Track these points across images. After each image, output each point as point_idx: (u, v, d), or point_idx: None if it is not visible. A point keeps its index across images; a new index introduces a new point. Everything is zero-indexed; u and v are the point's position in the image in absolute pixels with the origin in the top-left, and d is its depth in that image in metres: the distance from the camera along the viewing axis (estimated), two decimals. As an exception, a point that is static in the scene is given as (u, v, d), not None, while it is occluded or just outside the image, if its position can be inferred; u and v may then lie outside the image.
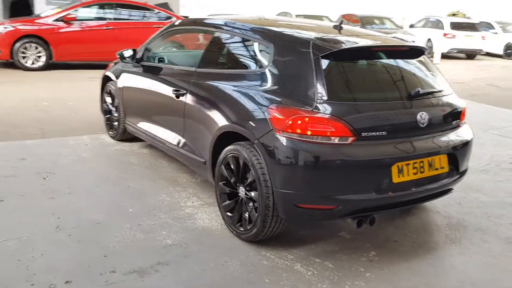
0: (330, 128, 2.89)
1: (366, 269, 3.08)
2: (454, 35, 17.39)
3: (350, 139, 2.90)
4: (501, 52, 19.39)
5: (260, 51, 3.50)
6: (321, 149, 2.90)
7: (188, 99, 3.84)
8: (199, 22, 4.56)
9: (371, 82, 3.21)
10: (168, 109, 4.23)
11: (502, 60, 18.75)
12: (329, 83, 2.99)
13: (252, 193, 3.18)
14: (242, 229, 3.29)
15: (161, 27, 11.47)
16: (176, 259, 3.07)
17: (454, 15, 24.16)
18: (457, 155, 3.34)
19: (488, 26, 19.52)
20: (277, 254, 3.19)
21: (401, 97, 3.14)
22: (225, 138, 3.45)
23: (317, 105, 2.93)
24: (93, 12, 10.56)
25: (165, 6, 12.59)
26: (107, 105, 5.50)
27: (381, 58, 3.31)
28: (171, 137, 4.19)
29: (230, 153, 3.33)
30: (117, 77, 5.15)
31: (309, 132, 2.90)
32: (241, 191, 3.30)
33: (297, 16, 15.61)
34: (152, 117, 4.58)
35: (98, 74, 6.34)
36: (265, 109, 3.10)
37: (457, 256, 3.33)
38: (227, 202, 3.44)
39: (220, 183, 3.48)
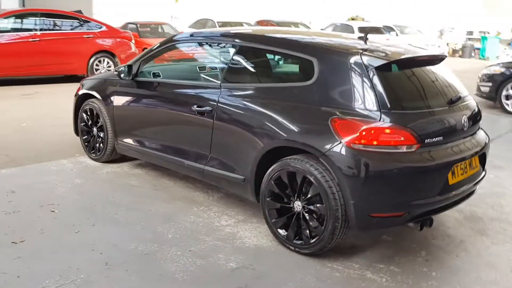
0: (399, 137, 2.99)
1: (429, 268, 3.23)
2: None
3: (415, 147, 3.02)
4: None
5: (302, 64, 3.50)
6: (391, 158, 2.99)
7: (217, 115, 3.71)
8: (215, 34, 4.40)
9: (420, 90, 3.36)
10: (186, 127, 4.04)
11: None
12: (388, 93, 3.08)
13: (314, 207, 3.17)
14: (302, 243, 3.26)
15: (92, 37, 11.07)
16: (252, 282, 2.97)
17: (353, 19, 25.77)
18: (484, 155, 3.62)
19: (389, 29, 21.13)
20: (342, 264, 3.22)
21: (446, 102, 3.33)
22: (270, 154, 3.41)
23: (382, 115, 3.01)
24: (16, 23, 9.64)
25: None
26: (85, 125, 5.10)
27: (422, 67, 3.47)
28: (191, 155, 4.01)
29: (283, 168, 3.28)
30: (104, 94, 4.79)
31: (379, 143, 2.97)
32: (297, 205, 3.27)
33: (217, 22, 15.62)
34: (158, 136, 4.35)
35: (31, 90, 5.83)
36: (327, 122, 3.10)
37: (493, 246, 3.61)
38: (279, 218, 3.38)
39: (268, 199, 3.42)
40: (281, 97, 3.44)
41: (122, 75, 4.44)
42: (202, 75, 4.52)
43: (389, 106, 3.04)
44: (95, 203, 4.01)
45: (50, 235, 3.43)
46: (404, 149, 3.00)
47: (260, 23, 18.53)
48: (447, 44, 23.54)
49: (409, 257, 3.37)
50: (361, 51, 3.29)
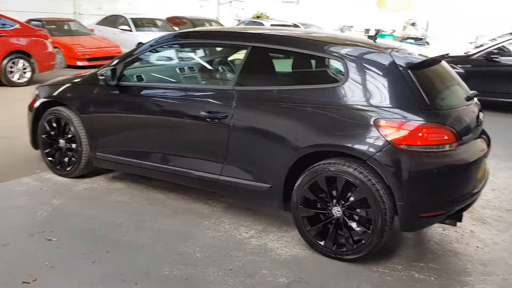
0: (443, 136, 3.00)
1: (463, 262, 3.31)
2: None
3: (455, 144, 3.07)
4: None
5: (331, 65, 3.38)
6: (437, 157, 3.00)
7: (234, 121, 3.45)
8: (225, 34, 4.06)
9: (445, 88, 3.40)
10: (192, 134, 3.72)
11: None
12: (426, 91, 3.08)
13: (359, 211, 3.09)
14: (345, 250, 3.17)
15: (4, 36, 9.77)
16: (313, 296, 2.81)
17: (258, 17, 26.12)
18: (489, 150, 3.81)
19: (296, 27, 21.72)
20: (386, 267, 3.18)
21: (465, 100, 3.43)
22: (300, 160, 3.27)
23: (424, 114, 3.01)
24: None
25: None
26: (48, 137, 4.50)
27: (436, 66, 3.52)
28: (199, 165, 3.70)
29: (321, 173, 3.15)
30: (77, 102, 4.25)
31: (427, 142, 2.96)
32: (337, 211, 3.16)
33: (131, 19, 14.81)
34: (155, 146, 3.95)
35: None
36: (371, 123, 3.03)
37: (502, 234, 3.81)
38: (315, 225, 3.25)
39: (301, 206, 3.27)
40: (311, 99, 3.28)
41: (106, 80, 3.95)
42: (206, 78, 4.20)
43: (429, 105, 3.05)
44: (93, 226, 3.54)
45: (64, 269, 2.95)
46: (447, 147, 3.03)
47: (171, 20, 17.96)
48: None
49: (438, 253, 3.43)
50: (390, 50, 3.26)
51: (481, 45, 11.40)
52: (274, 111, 3.37)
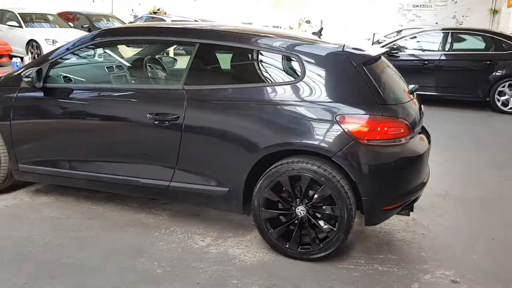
0: (400, 129, 3.06)
1: (417, 250, 3.43)
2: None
3: (409, 137, 3.15)
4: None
5: (285, 62, 3.29)
6: (397, 151, 3.05)
7: (186, 124, 3.22)
8: (166, 30, 3.70)
9: (393, 83, 3.44)
10: (137, 140, 3.41)
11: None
12: (380, 86, 3.13)
13: (324, 209, 3.05)
14: (310, 249, 3.11)
15: None
16: (292, 302, 2.71)
17: (155, 13, 25.40)
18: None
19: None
20: (350, 262, 3.18)
21: (409, 94, 3.54)
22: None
23: (382, 109, 3.05)
24: None
25: None
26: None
27: (379, 62, 3.57)
28: (146, 172, 3.42)
29: (283, 173, 3.06)
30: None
31: (388, 136, 3.00)
32: (301, 211, 3.09)
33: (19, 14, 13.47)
34: (93, 154, 3.58)
35: None
36: (333, 120, 3.00)
37: (442, 218, 4.02)
38: (278, 227, 3.16)
39: (264, 209, 3.16)
40: (268, 97, 3.17)
41: (32, 82, 3.48)
42: (146, 77, 3.87)
43: (384, 99, 3.09)
44: (28, 249, 3.11)
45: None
46: (403, 140, 3.09)
47: (63, 15, 16.72)
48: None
49: (393, 244, 3.52)
50: (341, 46, 3.26)
51: (378, 41, 12.11)
52: (230, 111, 3.21)
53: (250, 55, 3.44)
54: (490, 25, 22.54)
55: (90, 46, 3.70)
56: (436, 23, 22.94)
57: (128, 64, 4.09)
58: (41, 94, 3.57)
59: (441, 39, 9.62)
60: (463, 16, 23.58)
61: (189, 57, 3.39)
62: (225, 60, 3.53)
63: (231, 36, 3.45)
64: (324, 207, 3.07)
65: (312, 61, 3.17)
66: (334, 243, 3.07)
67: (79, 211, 3.76)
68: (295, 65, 3.22)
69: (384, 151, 3.00)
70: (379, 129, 2.98)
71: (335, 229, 3.05)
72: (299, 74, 3.17)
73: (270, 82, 3.27)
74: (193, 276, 2.90)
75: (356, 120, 3.00)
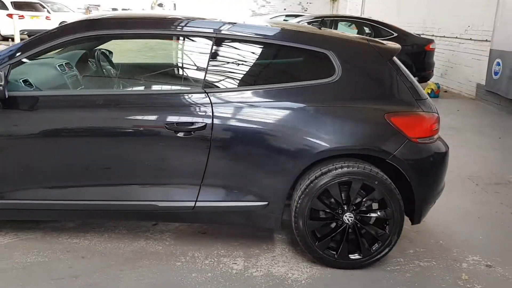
0: (436, 125, 3.04)
1: (444, 241, 3.51)
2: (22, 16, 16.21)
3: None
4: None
5: (313, 58, 2.98)
6: (439, 146, 3.01)
7: (217, 132, 2.75)
8: (165, 23, 3.00)
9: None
10: (149, 156, 2.81)
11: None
12: (412, 82, 3.06)
13: (377, 213, 2.90)
14: (361, 257, 2.94)
15: None
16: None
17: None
18: None
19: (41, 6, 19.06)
20: (394, 263, 3.08)
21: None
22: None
23: (420, 105, 2.99)
24: None
25: None
26: None
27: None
28: (164, 193, 2.86)
29: (334, 180, 2.81)
30: None
31: (432, 133, 2.95)
32: (349, 218, 2.90)
33: None
34: (80, 177, 2.85)
35: None
36: (383, 119, 2.83)
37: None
38: (324, 238, 2.91)
39: (309, 220, 2.88)
40: (307, 98, 2.87)
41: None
42: (153, 79, 3.17)
43: (419, 94, 3.03)
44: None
45: None
46: (437, 136, 3.07)
47: None
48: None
49: (409, 236, 3.54)
50: (368, 41, 3.10)
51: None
52: (267, 115, 2.82)
53: (277, 51, 3.04)
54: (331, 11, 24.64)
55: (67, 42, 2.90)
56: (285, 9, 24.29)
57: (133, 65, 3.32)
58: (7, 106, 2.72)
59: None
60: (307, 3, 25.42)
61: (203, 53, 2.89)
62: (249, 57, 3.08)
63: (253, 29, 3.02)
64: (375, 211, 2.91)
65: (346, 58, 2.95)
66: (386, 247, 2.95)
67: (61, 249, 3.00)
68: (328, 62, 2.95)
69: (430, 148, 2.94)
70: (426, 125, 2.92)
71: (387, 232, 2.92)
72: (334, 72, 2.91)
73: (304, 80, 2.95)
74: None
75: (406, 118, 2.89)
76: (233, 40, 2.94)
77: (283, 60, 3.06)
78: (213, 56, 2.86)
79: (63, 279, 2.68)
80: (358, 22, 10.69)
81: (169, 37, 3.05)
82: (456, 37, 10.63)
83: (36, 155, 2.84)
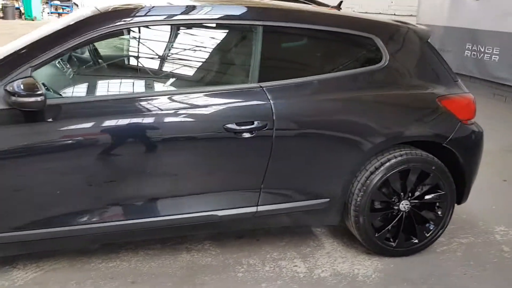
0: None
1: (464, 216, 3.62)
2: None
3: None
4: None
5: (359, 44, 2.84)
6: (478, 126, 3.05)
7: (278, 131, 2.52)
8: (197, 12, 2.58)
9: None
10: (207, 162, 2.51)
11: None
12: (445, 65, 3.07)
13: (432, 198, 2.89)
14: (417, 242, 2.94)
15: None
16: None
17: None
18: None
19: None
20: (439, 244, 3.11)
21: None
22: None
23: (459, 87, 3.01)
24: None
25: None
26: None
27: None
28: (223, 201, 2.59)
29: (395, 169, 2.75)
30: None
31: (473, 115, 3.00)
32: (405, 205, 2.86)
33: None
34: (125, 195, 2.46)
35: None
36: (435, 104, 2.80)
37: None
38: (383, 229, 2.86)
39: (369, 212, 2.80)
40: (362, 86, 2.75)
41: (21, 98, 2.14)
42: (198, 76, 2.75)
43: (455, 76, 3.06)
44: None
45: None
46: (473, 117, 3.13)
47: None
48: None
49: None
50: (405, 24, 3.05)
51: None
52: (325, 107, 2.66)
53: (326, 38, 2.84)
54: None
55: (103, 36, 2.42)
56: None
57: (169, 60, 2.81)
58: (40, 117, 2.24)
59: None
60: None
61: (250, 45, 2.63)
62: (299, 47, 2.85)
63: (304, 16, 2.80)
64: (430, 196, 2.90)
65: (391, 42, 2.87)
66: (440, 229, 2.97)
67: (102, 276, 2.62)
68: (374, 48, 2.85)
69: (474, 129, 2.98)
70: (471, 107, 2.96)
71: (440, 215, 2.94)
72: (379, 56, 2.82)
73: (355, 68, 2.81)
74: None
75: (455, 101, 2.89)
76: (282, 29, 2.70)
77: (333, 48, 2.88)
78: (263, 47, 2.60)
79: (127, 313, 2.34)
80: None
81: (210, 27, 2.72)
82: (380, 13, 11.05)
83: (82, 173, 2.37)
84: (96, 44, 2.61)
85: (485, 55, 7.95)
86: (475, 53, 8.12)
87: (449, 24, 8.57)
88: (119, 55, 2.74)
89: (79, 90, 2.55)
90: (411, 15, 9.85)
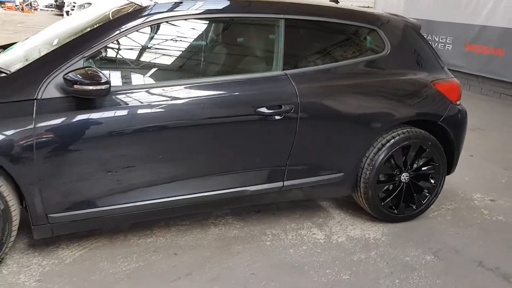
0: (459, 89, 3.54)
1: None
2: None
3: None
4: None
5: (364, 35, 3.20)
6: (463, 106, 3.50)
7: (302, 114, 2.82)
8: (227, 7, 2.80)
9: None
10: (241, 142, 2.79)
11: None
12: (434, 53, 3.50)
13: (428, 169, 3.31)
14: (414, 208, 3.35)
15: None
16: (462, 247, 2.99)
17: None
18: None
19: None
20: (428, 211, 3.57)
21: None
22: None
23: (446, 72, 3.45)
24: None
25: None
26: None
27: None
28: (253, 177, 2.88)
29: (398, 146, 3.14)
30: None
31: (460, 96, 3.44)
32: (405, 177, 3.27)
33: None
34: (170, 173, 2.70)
35: None
36: (430, 87, 3.22)
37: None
38: (388, 198, 3.26)
39: (377, 184, 3.19)
40: (369, 72, 3.12)
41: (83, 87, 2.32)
42: (234, 64, 2.98)
43: (442, 62, 3.49)
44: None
45: None
46: (455, 98, 3.58)
47: None
48: None
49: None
50: (400, 16, 3.44)
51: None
52: (342, 93, 3.00)
53: (339, 30, 3.17)
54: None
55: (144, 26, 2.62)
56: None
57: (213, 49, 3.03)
58: (102, 103, 2.43)
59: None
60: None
61: (274, 35, 2.92)
62: (316, 36, 3.16)
63: (320, 10, 3.11)
64: (426, 168, 3.32)
65: (391, 33, 3.25)
66: (434, 197, 3.40)
67: (144, 250, 2.85)
68: (374, 37, 3.23)
69: (462, 109, 3.42)
70: (458, 90, 3.40)
71: (434, 184, 3.37)
72: (382, 45, 3.20)
73: (364, 56, 3.18)
74: (375, 270, 2.78)
75: (446, 84, 3.32)
76: (302, 22, 3.02)
77: (345, 37, 3.23)
78: (286, 37, 2.90)
79: (180, 279, 2.59)
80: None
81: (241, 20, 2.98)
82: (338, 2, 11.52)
83: (135, 154, 2.59)
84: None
85: (439, 44, 8.60)
86: (430, 42, 8.75)
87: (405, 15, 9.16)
88: (168, 45, 2.92)
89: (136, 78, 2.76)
90: (368, 7, 10.37)
